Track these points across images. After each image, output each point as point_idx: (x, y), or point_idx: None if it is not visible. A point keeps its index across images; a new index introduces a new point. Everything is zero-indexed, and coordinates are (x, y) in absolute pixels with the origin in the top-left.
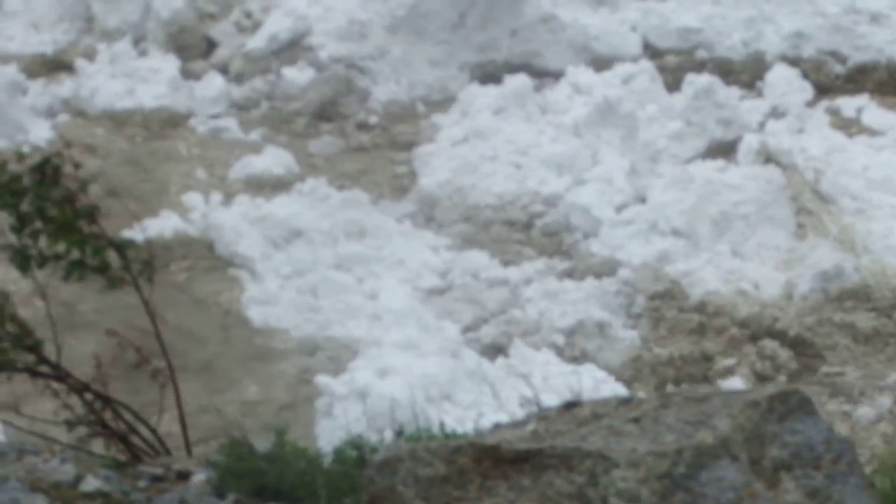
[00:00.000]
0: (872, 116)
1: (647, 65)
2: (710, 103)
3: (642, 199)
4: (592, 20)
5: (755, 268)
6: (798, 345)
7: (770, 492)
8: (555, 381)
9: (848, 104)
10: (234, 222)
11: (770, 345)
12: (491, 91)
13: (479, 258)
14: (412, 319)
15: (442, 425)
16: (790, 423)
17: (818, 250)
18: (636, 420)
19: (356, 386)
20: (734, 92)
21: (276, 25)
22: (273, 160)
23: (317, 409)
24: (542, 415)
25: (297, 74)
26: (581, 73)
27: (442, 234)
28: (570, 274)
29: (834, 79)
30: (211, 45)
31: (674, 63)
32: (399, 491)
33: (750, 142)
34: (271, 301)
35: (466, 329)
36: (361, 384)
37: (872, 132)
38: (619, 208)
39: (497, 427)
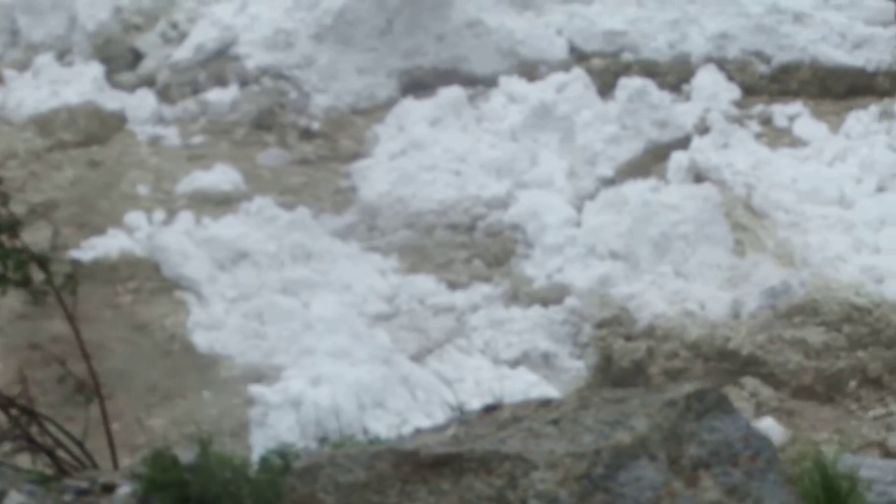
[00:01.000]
0: (803, 126)
1: (579, 72)
2: (645, 106)
3: (579, 208)
4: (518, 24)
5: (699, 288)
6: (751, 364)
7: (689, 490)
8: (487, 385)
9: (780, 112)
10: (180, 243)
11: (724, 366)
12: (426, 103)
13: (425, 283)
14: (344, 327)
15: (365, 431)
16: (708, 422)
17: (761, 267)
18: (555, 422)
19: (289, 395)
20: (666, 94)
21: (203, 36)
22: (221, 176)
23: (251, 419)
24: (463, 419)
25: (225, 90)
26: (514, 83)
27: (387, 248)
28: (514, 296)
29: (759, 79)
30: (137, 57)
31: (600, 66)
32: (320, 498)
33: (679, 160)
34: (217, 326)
35: (412, 359)
36: (294, 393)
37: (797, 143)
38: (561, 212)
39: (418, 432)
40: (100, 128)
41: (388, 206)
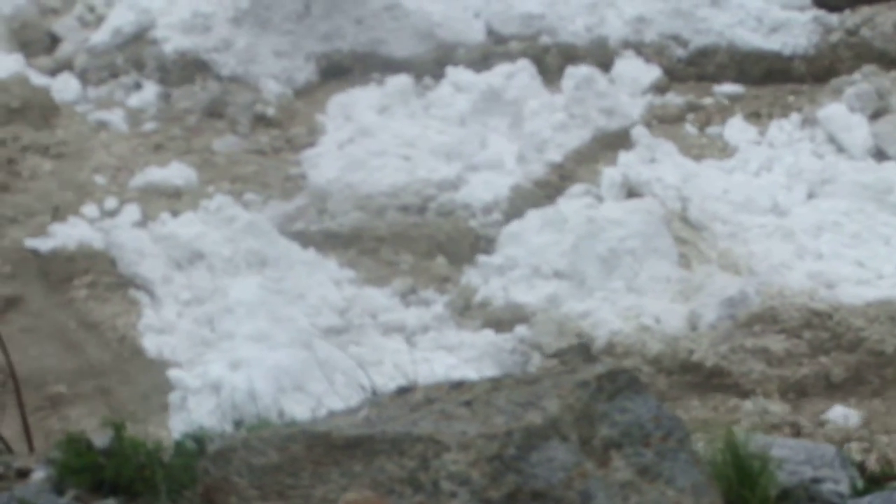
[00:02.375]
0: (731, 131)
1: (525, 63)
2: (592, 94)
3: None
4: (436, 7)
5: (652, 302)
6: (715, 375)
7: (600, 470)
8: (406, 368)
9: (714, 118)
10: (137, 239)
11: (686, 379)
12: (374, 92)
13: (379, 297)
14: (263, 311)
15: (281, 414)
16: (619, 402)
17: (715, 277)
18: (468, 403)
19: (209, 379)
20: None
21: (120, 19)
22: (176, 171)
23: (170, 404)
24: (376, 401)
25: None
26: (461, 73)
27: (339, 232)
28: (464, 311)
29: (676, 62)
30: (55, 41)
31: (517, 49)
32: (233, 481)
33: (612, 175)
34: (167, 330)
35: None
36: (214, 377)
37: (723, 153)
38: (513, 188)
39: (331, 414)
40: (47, 111)
41: (338, 191)
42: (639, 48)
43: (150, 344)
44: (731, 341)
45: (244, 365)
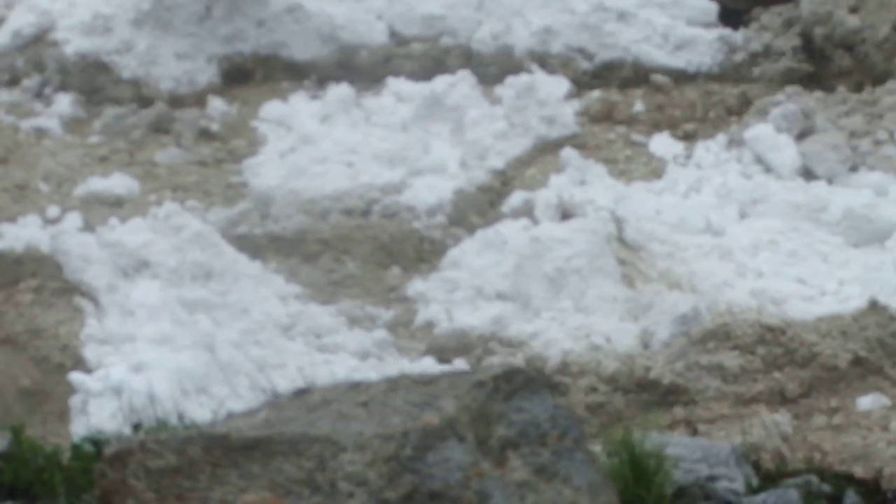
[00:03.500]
0: (658, 145)
1: (465, 73)
2: (532, 102)
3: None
4: (338, 9)
5: (601, 321)
6: (671, 393)
7: (497, 470)
8: (309, 371)
9: (637, 134)
10: (84, 245)
11: (643, 397)
12: (314, 103)
13: (324, 317)
14: (166, 313)
15: (181, 417)
16: (516, 402)
17: (663, 296)
18: (364, 404)
19: (111, 382)
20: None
21: (20, 21)
22: (118, 181)
23: (71, 407)
24: (274, 402)
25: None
26: (401, 83)
27: (282, 236)
28: (413, 336)
29: (581, 75)
30: None
31: (419, 51)
32: (130, 484)
33: (546, 197)
34: (109, 341)
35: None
36: (116, 380)
37: (649, 175)
38: (456, 192)
39: (230, 416)
40: None
41: (280, 197)
42: (544, 59)
43: (92, 355)
44: (685, 358)
45: (146, 368)
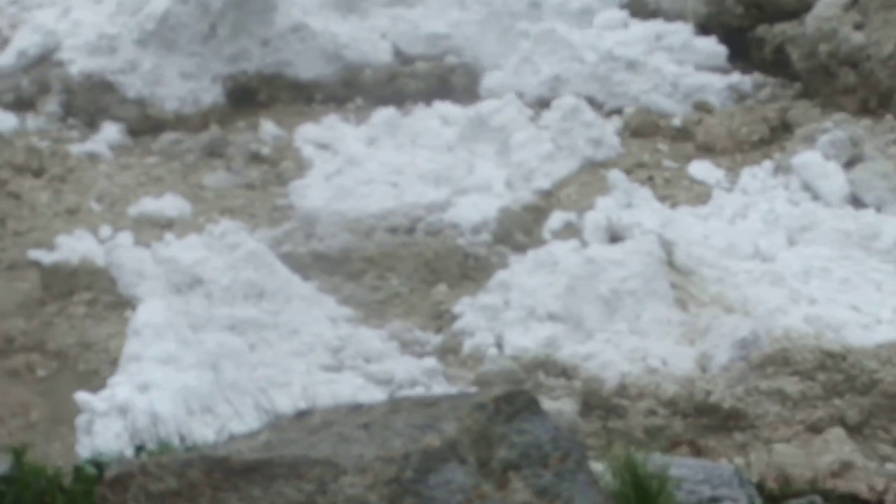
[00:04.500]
0: (698, 170)
1: (511, 97)
2: (578, 124)
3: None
4: (343, 28)
5: (656, 344)
6: (731, 418)
7: (499, 493)
8: (313, 390)
9: (676, 157)
10: (138, 260)
11: (702, 422)
12: (362, 128)
13: (373, 339)
14: (171, 333)
15: (183, 438)
16: (517, 424)
17: (722, 319)
18: (365, 426)
19: (116, 402)
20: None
21: (25, 41)
22: (170, 202)
23: (77, 427)
24: (276, 424)
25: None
26: (447, 107)
27: (328, 254)
28: (464, 364)
29: None
30: None
31: (424, 69)
32: None
33: (595, 219)
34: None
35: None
36: (122, 400)
37: (693, 199)
38: (501, 210)
39: (231, 438)
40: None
41: (326, 217)
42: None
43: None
44: (745, 383)
45: (152, 387)
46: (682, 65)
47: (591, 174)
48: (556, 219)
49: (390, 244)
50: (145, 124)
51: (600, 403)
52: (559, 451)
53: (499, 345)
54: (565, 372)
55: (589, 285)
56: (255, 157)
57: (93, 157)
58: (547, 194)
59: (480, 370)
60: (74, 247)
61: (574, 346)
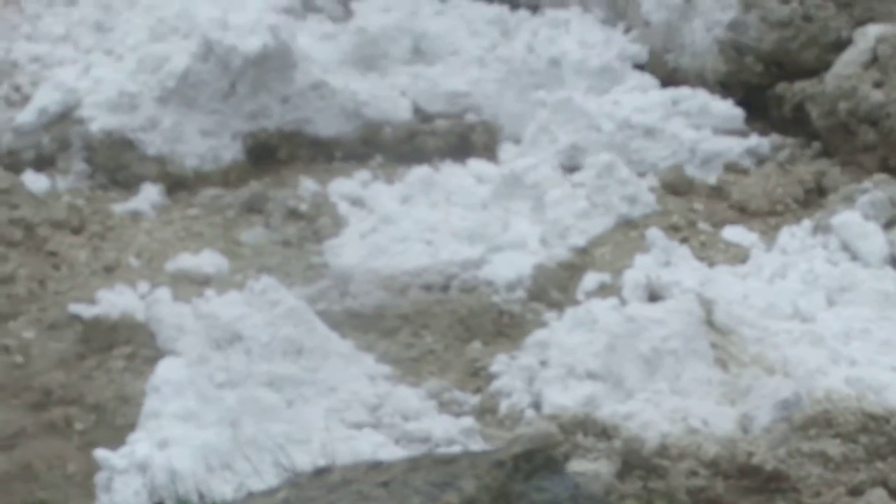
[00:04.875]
0: (733, 234)
1: (545, 155)
2: (613, 181)
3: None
4: (362, 86)
5: (697, 404)
6: (773, 479)
7: None
8: (333, 446)
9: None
10: (178, 315)
11: (744, 483)
12: (396, 186)
13: (412, 398)
14: (191, 390)
15: (202, 496)
16: (536, 481)
17: (763, 380)
18: (385, 484)
19: (136, 459)
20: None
21: (46, 99)
22: (207, 259)
23: (96, 484)
24: (294, 481)
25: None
26: (481, 164)
27: (362, 312)
28: (501, 424)
29: None
30: None
31: (444, 127)
32: None
33: (635, 277)
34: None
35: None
36: (141, 457)
37: (731, 258)
38: (536, 267)
39: (250, 496)
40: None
41: (360, 275)
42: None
43: None
44: (787, 445)
45: (172, 444)
46: (699, 129)
47: (626, 232)
48: (591, 279)
49: (424, 301)
50: (166, 181)
51: (640, 463)
52: None
53: (536, 404)
54: (605, 431)
55: (629, 344)
56: (293, 214)
57: (135, 216)
58: (582, 251)
59: (517, 431)
60: (115, 301)
61: (614, 405)
